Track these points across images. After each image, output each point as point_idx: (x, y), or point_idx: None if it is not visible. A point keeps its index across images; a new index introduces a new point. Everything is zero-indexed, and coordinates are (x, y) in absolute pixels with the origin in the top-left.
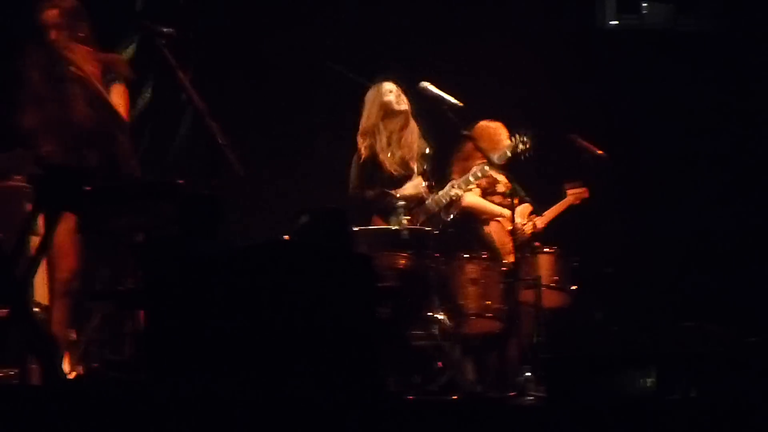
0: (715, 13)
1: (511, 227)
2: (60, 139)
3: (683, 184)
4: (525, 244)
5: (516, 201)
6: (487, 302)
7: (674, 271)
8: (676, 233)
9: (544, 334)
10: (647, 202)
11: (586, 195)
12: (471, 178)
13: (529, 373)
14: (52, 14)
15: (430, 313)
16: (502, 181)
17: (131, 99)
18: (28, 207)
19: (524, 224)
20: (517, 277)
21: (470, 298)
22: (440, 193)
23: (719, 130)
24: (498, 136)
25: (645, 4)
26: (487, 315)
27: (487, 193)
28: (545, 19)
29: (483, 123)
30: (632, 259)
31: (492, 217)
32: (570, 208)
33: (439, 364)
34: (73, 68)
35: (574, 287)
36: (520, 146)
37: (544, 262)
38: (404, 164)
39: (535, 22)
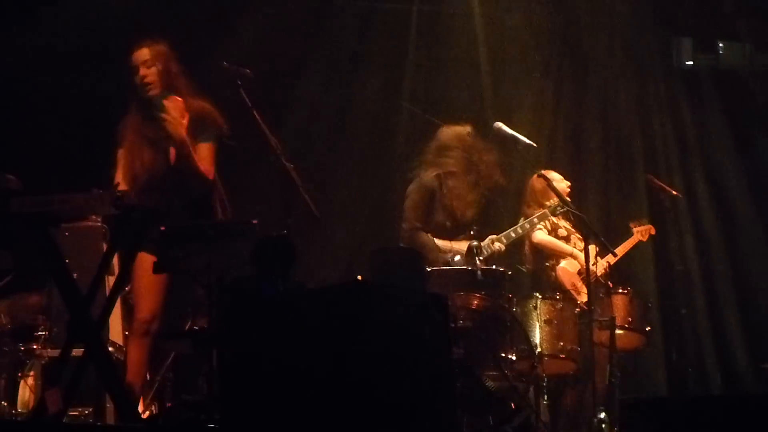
0: None
1: (581, 268)
2: (132, 182)
3: (759, 223)
4: (596, 285)
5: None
6: (562, 343)
7: (752, 311)
8: (753, 273)
9: (619, 375)
10: (723, 242)
11: (653, 232)
12: (535, 220)
13: (603, 415)
14: (141, 53)
15: (504, 354)
16: (563, 226)
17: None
18: (104, 247)
19: (593, 264)
20: (591, 318)
21: (544, 339)
22: (482, 245)
23: None
24: (560, 184)
25: (722, 44)
26: (561, 356)
27: (552, 236)
28: (624, 59)
29: (545, 171)
30: (707, 299)
31: (562, 255)
32: (638, 245)
33: (513, 405)
34: (162, 114)
35: (648, 328)
36: (558, 209)
37: (619, 303)
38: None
39: (614, 61)
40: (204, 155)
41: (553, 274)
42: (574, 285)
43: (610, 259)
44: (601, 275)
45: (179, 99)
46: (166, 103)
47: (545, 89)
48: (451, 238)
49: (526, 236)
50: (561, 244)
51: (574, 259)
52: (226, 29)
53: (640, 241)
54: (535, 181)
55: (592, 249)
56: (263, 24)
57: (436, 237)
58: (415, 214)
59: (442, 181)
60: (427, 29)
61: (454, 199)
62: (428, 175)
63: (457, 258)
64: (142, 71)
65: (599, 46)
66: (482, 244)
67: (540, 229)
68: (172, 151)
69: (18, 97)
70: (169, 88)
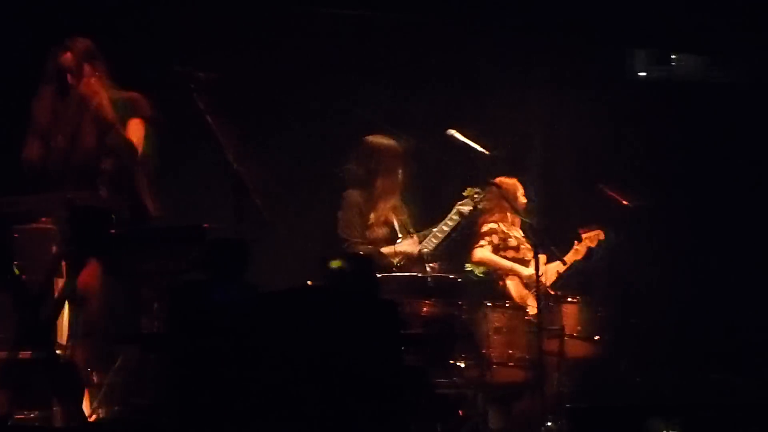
0: (747, 65)
1: (527, 280)
2: (69, 176)
3: (710, 235)
4: (545, 294)
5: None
6: (511, 351)
7: (700, 321)
8: (702, 283)
9: (568, 384)
10: (673, 252)
11: (601, 237)
12: (454, 217)
13: (551, 423)
14: (65, 58)
15: (454, 361)
16: (514, 235)
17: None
18: (54, 249)
19: (542, 274)
20: (541, 326)
21: (494, 347)
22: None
23: (749, 182)
24: (515, 191)
25: (674, 56)
26: (510, 364)
27: (499, 248)
28: (575, 69)
29: (500, 178)
30: (657, 309)
31: (505, 273)
32: (589, 252)
33: (462, 412)
34: (82, 102)
35: (598, 337)
36: (476, 197)
37: (569, 312)
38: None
39: (565, 71)
40: (131, 129)
41: (501, 283)
42: (522, 298)
43: (560, 267)
44: (549, 284)
45: (92, 79)
46: (82, 88)
47: (504, 99)
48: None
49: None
50: (500, 261)
51: (515, 274)
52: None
53: (591, 247)
54: (501, 182)
55: (542, 258)
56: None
57: (378, 246)
58: (351, 231)
59: (365, 194)
60: (388, 37)
61: (380, 208)
62: (350, 193)
63: (405, 242)
64: (70, 80)
65: (554, 55)
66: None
67: (482, 246)
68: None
69: None
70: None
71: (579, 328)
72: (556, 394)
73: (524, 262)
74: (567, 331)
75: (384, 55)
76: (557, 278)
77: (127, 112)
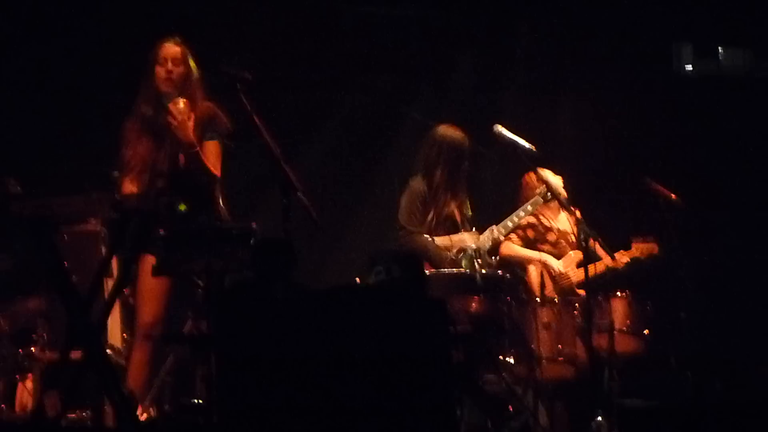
0: None
1: (552, 272)
2: (141, 184)
3: (759, 229)
4: (567, 291)
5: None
6: (560, 347)
7: (751, 315)
8: (752, 278)
9: (618, 380)
10: (723, 247)
11: (655, 251)
12: (529, 208)
13: (601, 419)
14: (173, 49)
15: (503, 358)
16: (556, 228)
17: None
18: (103, 250)
19: (568, 271)
20: (590, 321)
21: (543, 343)
22: (482, 237)
23: None
24: (559, 185)
25: (722, 50)
26: (560, 360)
27: (536, 242)
28: (622, 65)
29: (541, 171)
30: (707, 304)
31: (528, 261)
32: (634, 263)
33: (511, 408)
34: (173, 122)
35: (647, 332)
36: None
37: (618, 307)
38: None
39: (613, 67)
40: (211, 153)
41: (524, 274)
42: (548, 292)
43: (592, 268)
44: (576, 283)
45: (184, 100)
46: (171, 107)
47: (547, 94)
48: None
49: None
50: (524, 252)
51: (545, 265)
52: (226, 33)
53: (637, 259)
54: (527, 177)
55: (576, 256)
56: (265, 28)
57: (436, 236)
58: (409, 220)
59: (429, 182)
60: (429, 35)
61: (441, 200)
62: (418, 180)
63: (464, 235)
64: (171, 66)
65: (599, 50)
66: (482, 236)
67: (510, 239)
68: (181, 154)
69: (19, 100)
70: (182, 90)
71: (628, 322)
72: (605, 390)
73: (559, 258)
74: (616, 326)
75: (428, 54)
76: (586, 280)
77: (207, 130)
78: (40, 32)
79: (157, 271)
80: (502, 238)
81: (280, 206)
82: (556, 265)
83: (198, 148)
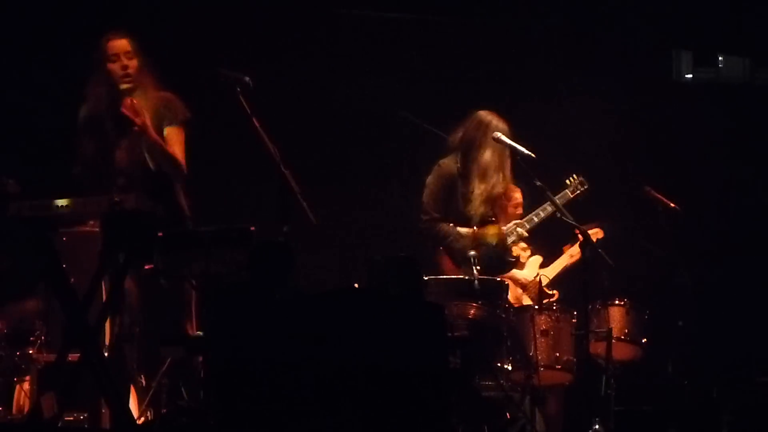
0: None
1: (522, 281)
2: (108, 186)
3: (756, 237)
4: (541, 295)
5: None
6: (558, 354)
7: (747, 324)
8: (748, 286)
9: (615, 387)
10: (719, 255)
11: (600, 235)
12: (542, 213)
13: (598, 426)
14: (122, 44)
15: (500, 364)
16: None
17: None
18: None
19: (534, 277)
20: (587, 329)
21: (541, 350)
22: (506, 231)
23: None
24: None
25: (721, 58)
26: (557, 367)
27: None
28: (621, 72)
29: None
30: (704, 312)
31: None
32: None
33: (508, 415)
34: (126, 121)
35: (645, 340)
36: (579, 188)
37: (616, 314)
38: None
39: (612, 74)
40: (172, 140)
41: None
42: (516, 299)
43: (544, 277)
44: (545, 284)
45: (133, 100)
46: (126, 111)
47: (548, 102)
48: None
49: None
50: None
51: (512, 279)
52: (224, 35)
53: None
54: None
55: (537, 260)
56: (263, 30)
57: (458, 225)
58: (435, 205)
59: (464, 162)
60: (430, 40)
61: (478, 185)
62: (448, 162)
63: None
64: (125, 61)
65: (599, 57)
66: (507, 230)
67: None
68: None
69: (17, 100)
70: (138, 83)
71: (626, 330)
72: (603, 397)
73: (519, 265)
74: (614, 333)
75: (428, 57)
76: (551, 280)
77: (165, 118)
78: (44, 37)
79: (154, 274)
80: (526, 234)
81: (278, 209)
82: (522, 276)
83: (162, 143)
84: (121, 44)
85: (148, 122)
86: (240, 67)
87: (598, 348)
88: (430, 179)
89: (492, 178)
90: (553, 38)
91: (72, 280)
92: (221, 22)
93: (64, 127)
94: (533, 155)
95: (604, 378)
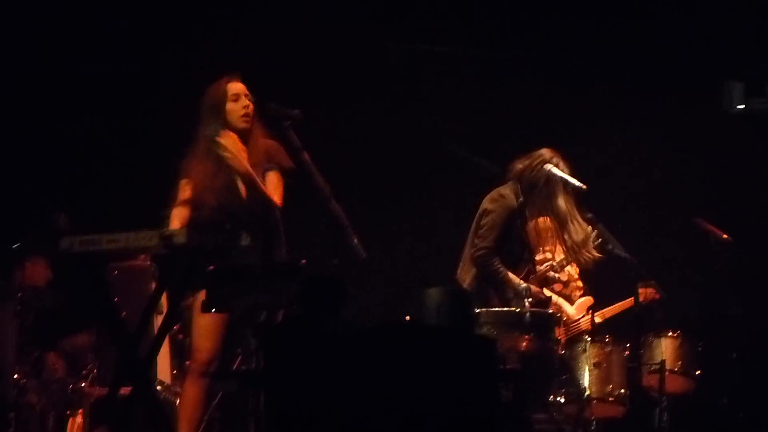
0: None
1: (567, 318)
2: (199, 221)
3: None
4: (576, 338)
5: (580, 292)
6: (610, 386)
7: None
8: None
9: (668, 420)
10: None
11: (656, 296)
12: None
13: None
14: (241, 86)
15: (552, 397)
16: (567, 271)
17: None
18: (153, 286)
19: (580, 318)
20: (640, 361)
21: (593, 382)
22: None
23: None
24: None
25: None
26: (610, 399)
27: (547, 281)
28: (672, 103)
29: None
30: (758, 344)
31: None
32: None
33: None
34: (227, 155)
35: (698, 372)
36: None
37: (669, 346)
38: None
39: (663, 105)
40: (271, 183)
41: None
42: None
43: (598, 317)
44: (584, 330)
45: (232, 133)
46: (221, 141)
47: (600, 133)
48: (515, 270)
49: None
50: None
51: (559, 308)
52: (273, 69)
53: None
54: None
55: (587, 301)
56: (313, 64)
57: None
58: (496, 234)
59: (523, 208)
60: (477, 74)
61: (532, 232)
62: (512, 198)
63: (524, 285)
64: (246, 101)
65: (649, 89)
66: (538, 270)
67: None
68: (242, 186)
69: (68, 135)
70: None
71: (679, 362)
72: (656, 430)
73: (568, 300)
74: (667, 365)
75: (474, 90)
76: (596, 324)
77: (267, 163)
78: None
79: (205, 307)
80: (558, 276)
81: (328, 243)
82: (570, 310)
83: (257, 178)
84: (240, 85)
85: (242, 155)
86: (289, 101)
87: (651, 380)
88: (494, 206)
89: (570, 225)
90: (600, 71)
91: (123, 313)
92: (271, 56)
93: (115, 161)
94: (584, 186)
95: (657, 411)
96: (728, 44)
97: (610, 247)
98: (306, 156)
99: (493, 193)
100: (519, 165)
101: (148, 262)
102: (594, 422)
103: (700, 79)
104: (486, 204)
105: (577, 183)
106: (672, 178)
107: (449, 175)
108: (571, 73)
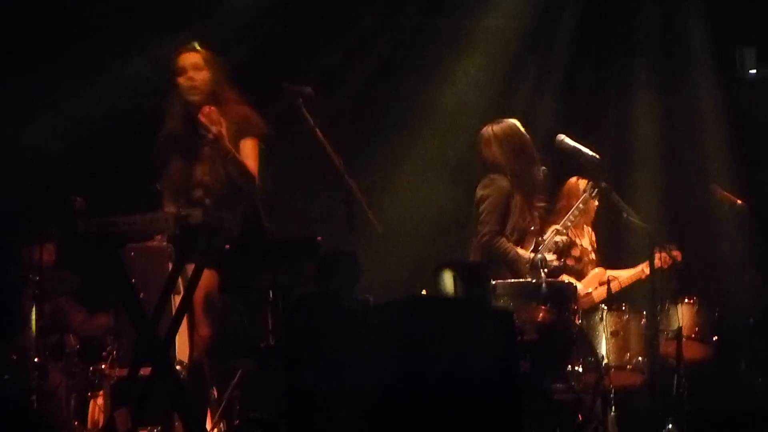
0: None
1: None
2: (186, 199)
3: None
4: (593, 307)
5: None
6: (628, 355)
7: None
8: None
9: (686, 386)
10: None
11: (672, 262)
12: (572, 217)
13: (671, 426)
14: (191, 56)
15: (571, 367)
16: (580, 245)
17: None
18: (170, 266)
19: (591, 291)
20: (658, 328)
21: (611, 351)
22: (546, 238)
23: None
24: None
25: None
26: (628, 367)
27: (563, 255)
28: (686, 70)
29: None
30: None
31: None
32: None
33: (580, 417)
34: (201, 129)
35: (716, 338)
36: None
37: (686, 313)
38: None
39: (676, 72)
40: (247, 153)
41: None
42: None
43: (615, 286)
44: (598, 301)
45: (212, 108)
46: (202, 119)
47: (611, 101)
48: (523, 245)
49: None
50: None
51: None
52: (286, 48)
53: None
54: (570, 184)
55: (601, 273)
56: (323, 41)
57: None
58: (496, 217)
59: (515, 188)
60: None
61: (526, 210)
62: (503, 180)
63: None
64: (191, 73)
65: (663, 56)
66: (545, 238)
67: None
68: (219, 161)
69: (84, 119)
70: (211, 96)
71: (697, 329)
72: (675, 397)
73: (580, 275)
74: (685, 332)
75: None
76: (608, 296)
77: (241, 131)
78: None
79: (223, 287)
80: (565, 238)
81: (343, 219)
82: (578, 287)
83: (235, 154)
84: (188, 57)
85: (225, 132)
86: (302, 79)
87: (668, 347)
88: (488, 192)
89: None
90: (617, 38)
91: (141, 294)
92: (283, 34)
93: (130, 142)
94: (597, 156)
95: (675, 378)
96: (741, 10)
97: (625, 215)
98: (319, 133)
99: (485, 180)
100: (496, 151)
101: (165, 243)
102: (612, 391)
103: (714, 45)
104: (480, 191)
105: (590, 153)
106: (686, 145)
107: (464, 148)
108: (585, 43)
